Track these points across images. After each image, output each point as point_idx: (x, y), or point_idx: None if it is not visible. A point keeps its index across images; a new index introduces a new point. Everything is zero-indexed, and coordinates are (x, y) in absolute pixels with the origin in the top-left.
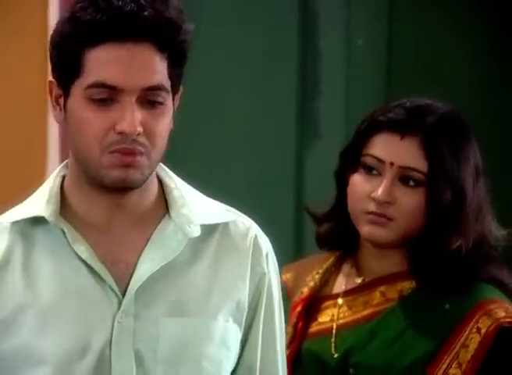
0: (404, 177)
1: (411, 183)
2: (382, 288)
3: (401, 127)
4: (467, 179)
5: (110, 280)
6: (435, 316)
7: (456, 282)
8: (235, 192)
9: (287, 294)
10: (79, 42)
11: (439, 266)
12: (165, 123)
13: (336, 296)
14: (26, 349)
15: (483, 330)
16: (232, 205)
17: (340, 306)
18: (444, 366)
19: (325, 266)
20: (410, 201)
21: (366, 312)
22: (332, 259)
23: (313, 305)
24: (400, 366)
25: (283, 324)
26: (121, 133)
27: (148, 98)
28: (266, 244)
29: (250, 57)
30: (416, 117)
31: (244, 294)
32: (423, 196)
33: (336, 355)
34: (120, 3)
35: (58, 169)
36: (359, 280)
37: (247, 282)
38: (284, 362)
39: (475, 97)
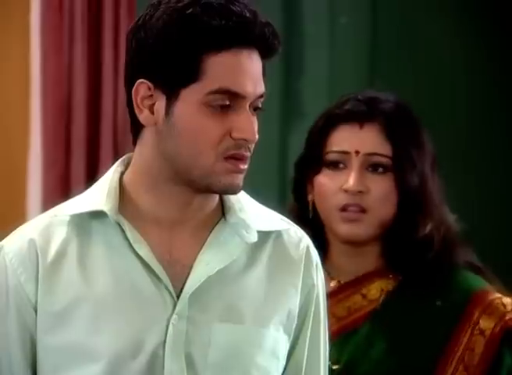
0: (372, 165)
1: (380, 169)
2: (362, 290)
3: (359, 117)
4: (425, 163)
5: (166, 280)
6: (428, 315)
7: (434, 269)
8: None
9: None
10: (200, 46)
11: (414, 251)
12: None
13: None
14: (79, 345)
15: (487, 332)
16: None
17: None
18: (450, 370)
19: None
20: (381, 187)
21: (352, 318)
22: None
23: None
24: (406, 371)
25: (327, 334)
26: (239, 139)
27: (254, 105)
28: (316, 255)
29: None
30: (372, 106)
31: (295, 305)
32: (392, 181)
33: (334, 367)
34: (239, 9)
35: (116, 164)
36: (333, 283)
37: (299, 292)
38: (326, 370)
39: (458, 76)
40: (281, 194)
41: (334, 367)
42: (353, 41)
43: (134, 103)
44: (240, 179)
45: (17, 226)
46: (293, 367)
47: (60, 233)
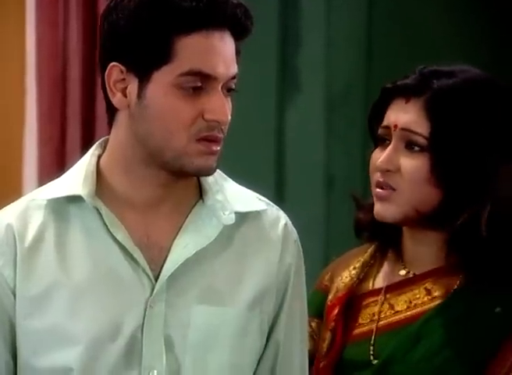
0: (408, 142)
1: (416, 148)
2: (427, 285)
3: (407, 92)
4: (480, 147)
5: (144, 263)
6: (484, 321)
7: (502, 272)
8: None
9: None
10: (171, 28)
11: (460, 240)
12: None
13: (378, 292)
14: (58, 329)
15: None
16: None
17: (382, 304)
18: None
19: (362, 259)
20: (411, 166)
21: (409, 313)
22: (370, 251)
23: (352, 304)
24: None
25: (306, 312)
26: (211, 121)
27: (227, 86)
28: (293, 233)
29: None
30: (423, 81)
31: (273, 284)
32: (427, 162)
33: (374, 362)
34: None
35: (94, 148)
36: (403, 272)
37: (276, 271)
38: (305, 349)
39: (454, 50)
40: (277, 170)
41: (374, 362)
42: (349, 16)
43: (107, 86)
44: (212, 160)
45: (13, 202)
46: (273, 346)
47: (37, 218)
